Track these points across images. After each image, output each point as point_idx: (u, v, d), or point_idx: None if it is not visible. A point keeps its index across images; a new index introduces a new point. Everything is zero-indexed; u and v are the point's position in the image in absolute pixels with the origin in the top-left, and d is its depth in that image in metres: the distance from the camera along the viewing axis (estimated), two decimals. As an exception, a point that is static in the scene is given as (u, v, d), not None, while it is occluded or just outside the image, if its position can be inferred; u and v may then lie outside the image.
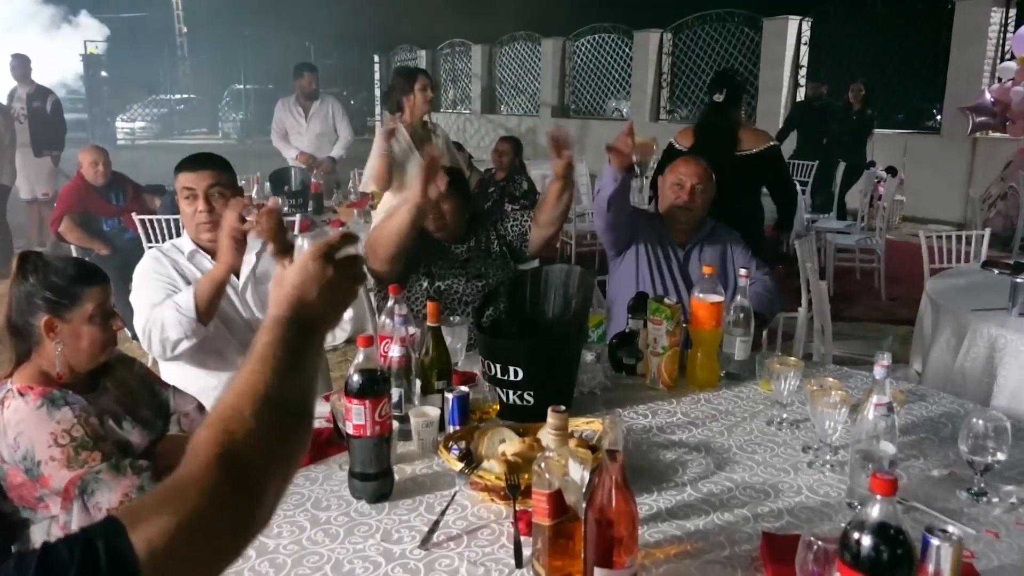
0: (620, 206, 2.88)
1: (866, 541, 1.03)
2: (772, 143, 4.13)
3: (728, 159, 3.86)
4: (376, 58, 23.85)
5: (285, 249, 2.41)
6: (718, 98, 4.11)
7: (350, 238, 1.10)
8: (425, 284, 2.80)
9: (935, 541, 1.18)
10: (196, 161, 2.52)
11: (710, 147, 3.86)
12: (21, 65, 7.68)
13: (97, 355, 1.86)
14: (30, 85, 7.72)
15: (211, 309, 2.34)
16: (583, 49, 16.63)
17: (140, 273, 2.47)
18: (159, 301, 2.35)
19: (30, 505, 1.76)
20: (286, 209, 5.74)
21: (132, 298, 2.44)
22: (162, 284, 2.41)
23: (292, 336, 1.01)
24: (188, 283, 2.43)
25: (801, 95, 12.26)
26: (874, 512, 1.04)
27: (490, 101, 19.36)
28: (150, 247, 4.78)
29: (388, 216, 2.67)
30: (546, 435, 1.35)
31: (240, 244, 2.31)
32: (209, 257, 2.50)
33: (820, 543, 1.19)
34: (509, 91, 19.08)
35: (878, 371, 1.60)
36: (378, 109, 23.91)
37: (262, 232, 2.20)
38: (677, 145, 4.10)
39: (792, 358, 2.05)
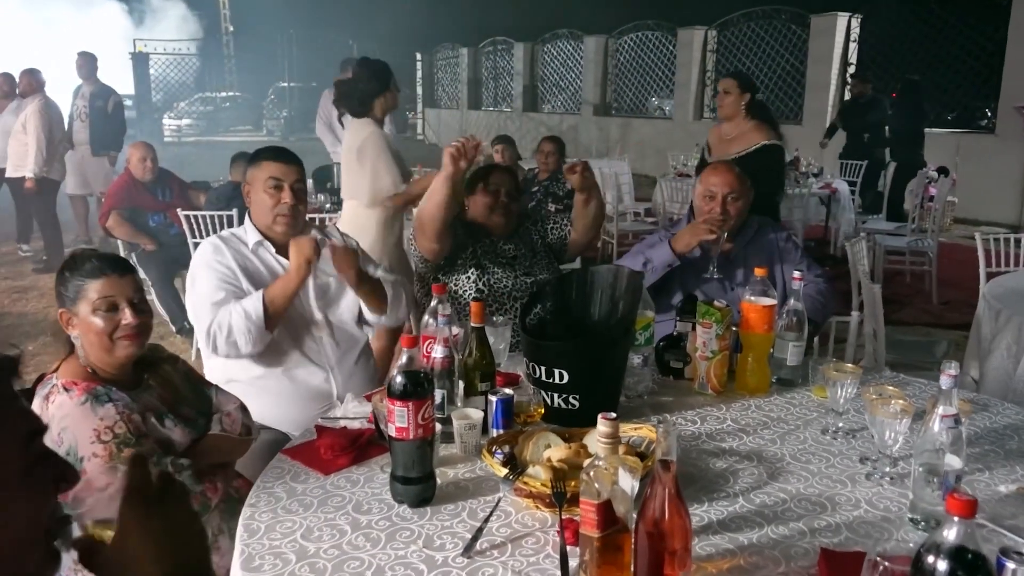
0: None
1: (942, 566, 0.97)
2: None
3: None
4: (418, 56, 23.95)
5: (363, 280, 2.46)
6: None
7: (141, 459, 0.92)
8: (474, 276, 2.81)
9: (1011, 565, 1.11)
10: (283, 153, 2.54)
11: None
12: (87, 64, 7.77)
13: (109, 347, 1.84)
14: (95, 84, 7.81)
15: (279, 318, 2.37)
16: (626, 47, 16.50)
17: (199, 262, 2.47)
18: (220, 300, 2.36)
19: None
20: (328, 206, 5.76)
21: (188, 286, 2.46)
22: (221, 277, 2.41)
23: None
24: (248, 275, 2.44)
25: (849, 93, 12.01)
26: (951, 535, 0.97)
27: (532, 99, 19.32)
28: (195, 241, 4.86)
29: (428, 194, 2.68)
30: (595, 443, 1.30)
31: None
32: (273, 250, 2.51)
33: (887, 564, 1.13)
34: (551, 89, 19.02)
35: (945, 381, 1.52)
36: (420, 107, 24.04)
37: (341, 271, 2.41)
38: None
39: (849, 364, 1.97)
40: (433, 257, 2.79)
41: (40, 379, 1.86)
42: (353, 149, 3.88)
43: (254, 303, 2.32)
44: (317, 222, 3.28)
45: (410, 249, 2.87)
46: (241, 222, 4.58)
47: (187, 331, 5.12)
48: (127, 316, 1.84)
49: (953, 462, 1.49)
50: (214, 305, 2.35)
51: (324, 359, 2.49)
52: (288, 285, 2.35)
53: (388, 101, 3.99)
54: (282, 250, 2.52)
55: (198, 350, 3.53)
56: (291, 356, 2.46)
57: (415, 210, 3.89)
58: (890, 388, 1.85)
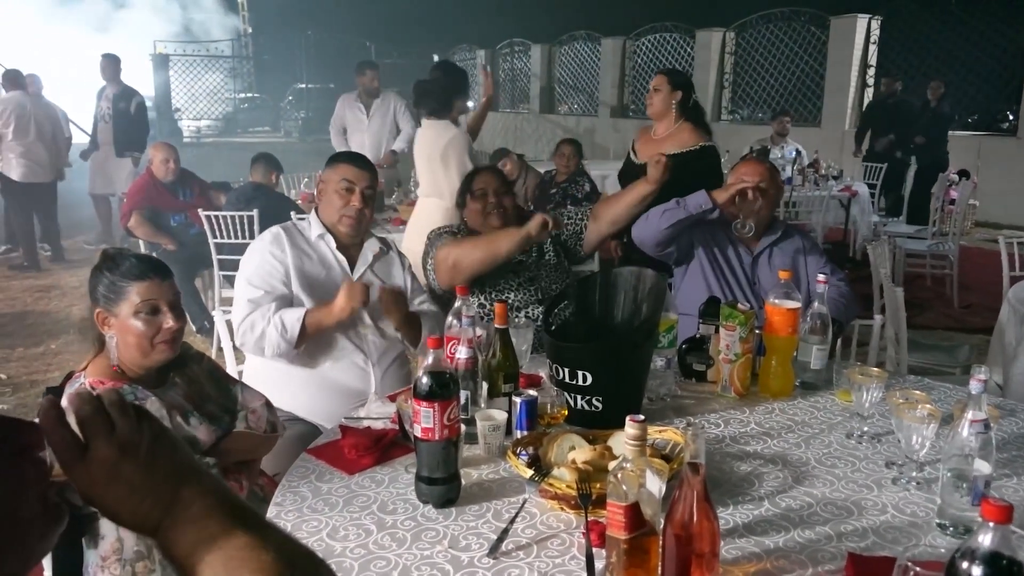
0: (675, 234, 2.83)
1: (976, 572, 0.96)
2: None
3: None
4: (435, 57, 24.00)
5: (407, 321, 2.48)
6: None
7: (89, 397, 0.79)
8: (475, 290, 2.82)
9: (1044, 571, 1.10)
10: (359, 159, 2.67)
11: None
12: (111, 66, 7.86)
13: (147, 351, 1.84)
14: (118, 85, 7.89)
15: (309, 340, 2.41)
16: (644, 48, 16.45)
17: (255, 247, 2.55)
18: (256, 299, 2.40)
19: (100, 498, 1.77)
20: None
21: (241, 264, 2.53)
22: (267, 271, 2.47)
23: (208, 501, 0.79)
24: (300, 269, 2.49)
25: (869, 95, 11.93)
26: (986, 540, 0.96)
27: (549, 101, 19.29)
28: (216, 241, 4.89)
29: (488, 240, 2.71)
30: (623, 445, 1.29)
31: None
32: (334, 244, 2.58)
33: (918, 569, 1.12)
34: (568, 91, 18.98)
35: (974, 386, 1.50)
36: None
37: (388, 312, 2.47)
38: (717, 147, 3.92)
39: (875, 369, 1.96)
40: (446, 289, 2.80)
41: (69, 376, 1.87)
42: (436, 149, 4.00)
43: (293, 323, 2.35)
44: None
45: (428, 272, 2.88)
46: (262, 223, 4.68)
47: (207, 330, 5.16)
48: (168, 321, 1.84)
49: (982, 467, 1.47)
50: (249, 302, 2.41)
51: (367, 354, 2.53)
52: (327, 319, 2.39)
53: (463, 103, 4.18)
54: (342, 247, 2.59)
55: (219, 348, 3.56)
56: (336, 347, 2.50)
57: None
58: (916, 392, 1.84)
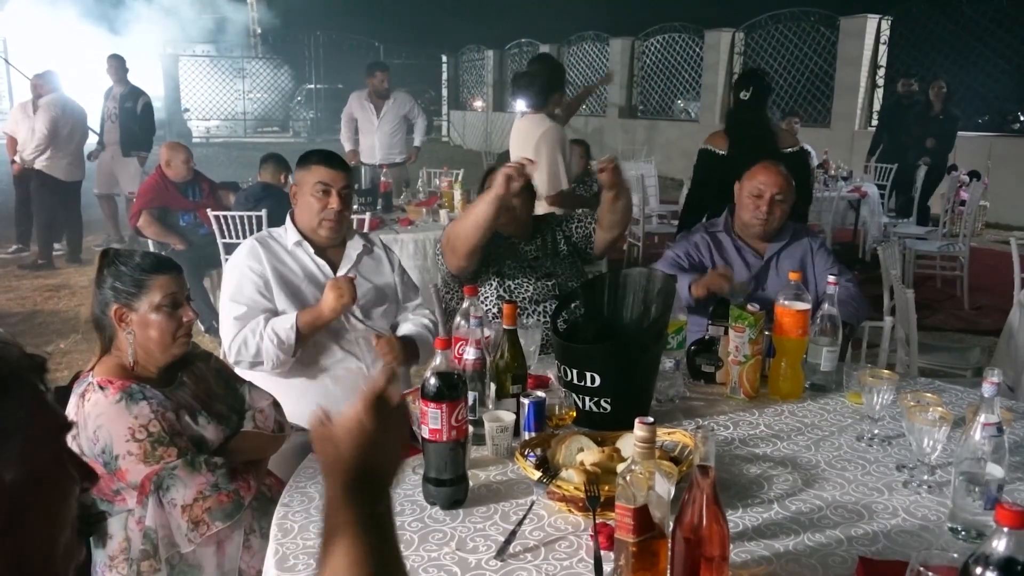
0: None
1: (991, 577, 0.95)
2: (802, 145, 4.18)
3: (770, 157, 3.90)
4: (444, 58, 24.02)
5: (403, 360, 2.51)
6: (744, 95, 4.04)
7: (394, 375, 1.03)
8: (495, 283, 2.80)
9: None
10: (333, 159, 2.57)
11: (751, 145, 3.81)
12: (117, 67, 7.92)
13: (168, 345, 1.86)
14: (125, 86, 7.94)
15: (304, 344, 2.39)
16: (652, 49, 16.42)
17: (233, 263, 2.51)
18: (240, 315, 2.37)
19: (108, 498, 1.77)
20: (355, 207, 5.78)
21: (222, 291, 2.49)
22: (248, 287, 2.42)
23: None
24: (281, 278, 2.46)
25: (879, 96, 11.87)
26: (1000, 545, 0.95)
27: (557, 101, 19.26)
28: (225, 241, 4.90)
29: (467, 209, 2.67)
30: (632, 447, 1.28)
31: None
32: (312, 251, 2.54)
33: (931, 574, 1.11)
34: (576, 91, 18.92)
35: (987, 388, 1.49)
36: (445, 108, 24.12)
37: (383, 358, 2.47)
38: (716, 150, 3.98)
39: (885, 371, 1.95)
40: (460, 273, 2.78)
41: (76, 376, 1.87)
42: (530, 142, 4.12)
43: (287, 332, 2.32)
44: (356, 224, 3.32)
45: (437, 261, 2.88)
46: (271, 223, 4.68)
47: (215, 330, 5.16)
48: (189, 313, 1.87)
49: (995, 471, 1.46)
50: (236, 321, 2.37)
51: (361, 358, 2.51)
52: (318, 320, 2.36)
53: (560, 97, 4.34)
54: (321, 251, 2.56)
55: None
56: (328, 354, 2.47)
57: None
58: (928, 395, 1.83)
